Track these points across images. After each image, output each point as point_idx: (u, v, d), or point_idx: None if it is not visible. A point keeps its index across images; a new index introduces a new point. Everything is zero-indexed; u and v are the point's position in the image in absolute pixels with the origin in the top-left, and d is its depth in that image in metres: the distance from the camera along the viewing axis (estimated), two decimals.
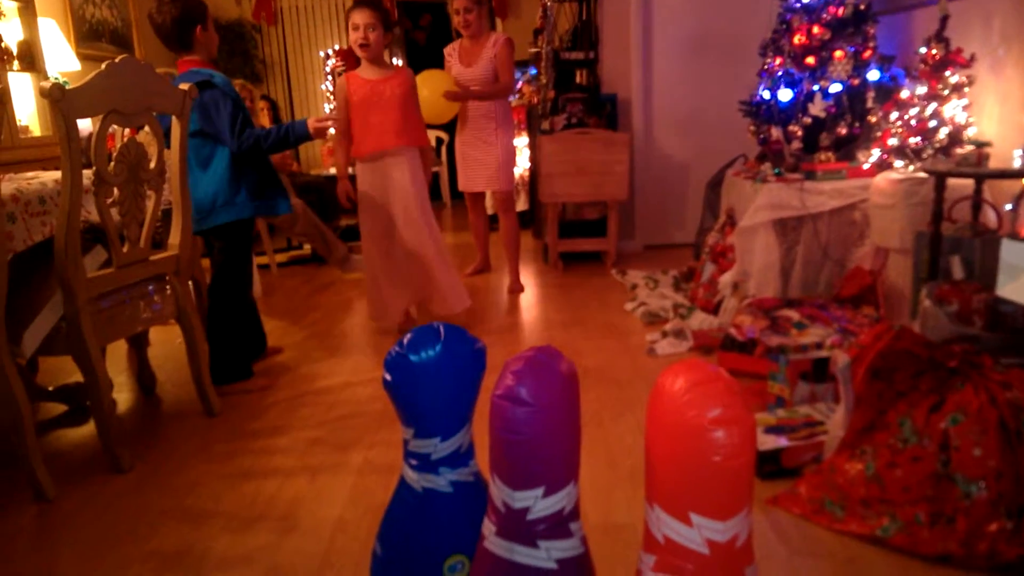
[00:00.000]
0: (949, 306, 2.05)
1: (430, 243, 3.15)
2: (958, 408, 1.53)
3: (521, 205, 5.50)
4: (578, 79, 4.94)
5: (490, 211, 4.70)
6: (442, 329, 1.13)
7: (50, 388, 2.62)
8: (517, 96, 6.07)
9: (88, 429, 2.39)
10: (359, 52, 3.03)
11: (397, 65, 3.26)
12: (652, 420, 0.90)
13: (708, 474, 0.83)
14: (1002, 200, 2.37)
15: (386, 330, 3.30)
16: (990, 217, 2.39)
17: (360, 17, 2.97)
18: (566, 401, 0.96)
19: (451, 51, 3.88)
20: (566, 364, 0.99)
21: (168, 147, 2.30)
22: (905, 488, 1.54)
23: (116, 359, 3.03)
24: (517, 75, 6.24)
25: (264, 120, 5.63)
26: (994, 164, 2.47)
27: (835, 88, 2.93)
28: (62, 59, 4.28)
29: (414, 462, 1.18)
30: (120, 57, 2.02)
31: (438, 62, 3.94)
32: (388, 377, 1.13)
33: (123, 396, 2.71)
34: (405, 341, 1.13)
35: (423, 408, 1.12)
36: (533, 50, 5.27)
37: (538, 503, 0.98)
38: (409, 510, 1.18)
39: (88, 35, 4.84)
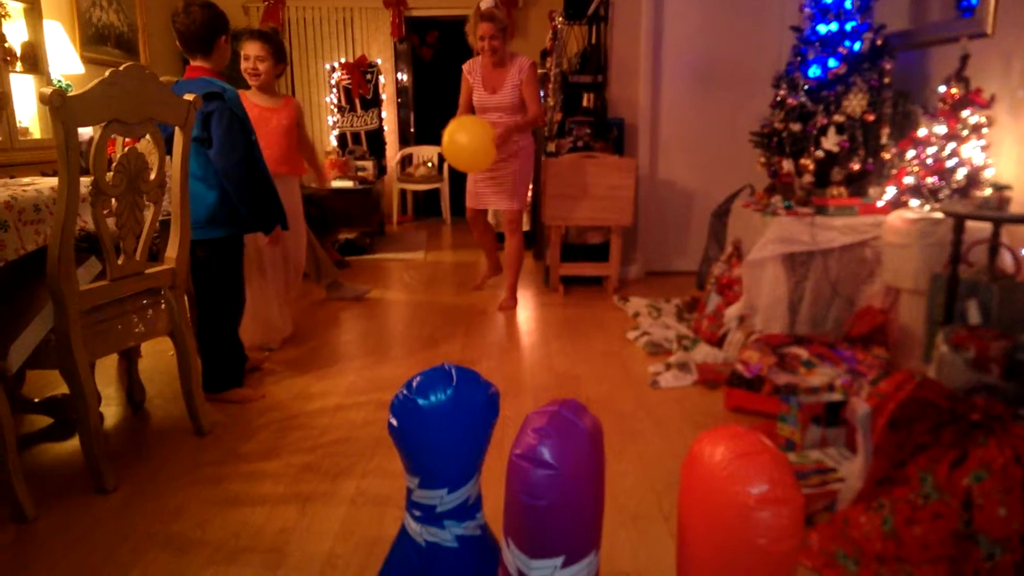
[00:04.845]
0: (966, 352, 2.00)
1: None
2: (981, 464, 1.47)
3: (524, 226, 5.45)
4: (585, 102, 4.91)
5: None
6: (453, 372, 1.06)
7: (36, 400, 2.54)
8: None
9: (73, 444, 2.30)
10: (249, 80, 3.20)
11: (286, 96, 3.42)
12: (687, 491, 0.82)
13: (750, 558, 0.76)
14: (1019, 244, 2.33)
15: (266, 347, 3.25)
16: (1007, 261, 2.34)
17: (251, 48, 3.14)
18: (591, 463, 0.88)
19: (471, 69, 3.80)
20: (590, 420, 0.91)
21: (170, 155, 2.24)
22: (924, 546, 1.48)
23: (105, 370, 2.95)
24: None
25: None
26: (1013, 208, 2.42)
27: (849, 123, 2.90)
28: (66, 62, 4.23)
29: (418, 513, 1.09)
30: (124, 65, 1.96)
31: (443, 78, 3.90)
32: (394, 422, 1.05)
33: (111, 410, 2.63)
34: (414, 384, 1.05)
35: (431, 457, 1.04)
36: (540, 71, 5.25)
37: (557, 573, 0.90)
38: (410, 565, 1.10)
39: (94, 39, 4.80)
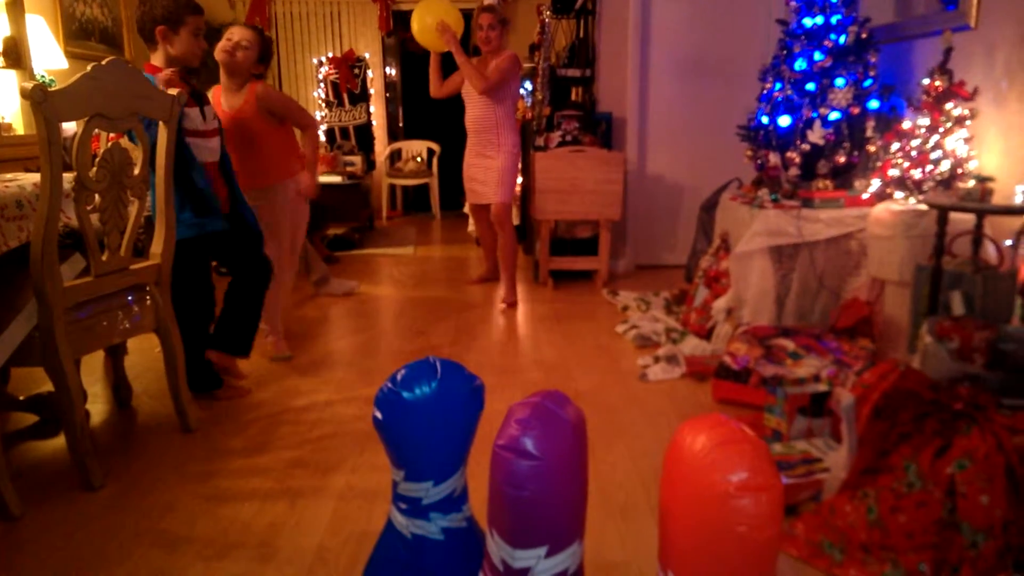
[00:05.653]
0: (950, 343, 2.01)
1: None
2: (964, 453, 1.48)
3: (514, 220, 5.45)
4: (574, 96, 4.91)
5: None
6: (438, 365, 1.06)
7: (21, 397, 2.53)
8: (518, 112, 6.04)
9: (59, 442, 2.29)
10: (220, 58, 2.86)
11: (251, 84, 2.95)
12: (669, 479, 0.83)
13: (731, 545, 0.76)
14: (1002, 236, 2.35)
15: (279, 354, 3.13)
16: (990, 252, 2.36)
17: (238, 32, 2.89)
18: (574, 454, 0.89)
19: None
20: (574, 411, 0.92)
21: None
22: (908, 534, 1.49)
23: (92, 367, 2.94)
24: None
25: None
26: (996, 199, 2.44)
27: (834, 116, 2.91)
28: (49, 57, 4.18)
29: (403, 506, 1.10)
30: (107, 59, 1.94)
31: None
32: (379, 415, 1.05)
33: (97, 407, 2.61)
34: (399, 376, 1.05)
35: (416, 450, 1.05)
36: (529, 65, 5.25)
37: (540, 563, 0.91)
38: (396, 558, 1.10)
39: (77, 33, 4.75)
